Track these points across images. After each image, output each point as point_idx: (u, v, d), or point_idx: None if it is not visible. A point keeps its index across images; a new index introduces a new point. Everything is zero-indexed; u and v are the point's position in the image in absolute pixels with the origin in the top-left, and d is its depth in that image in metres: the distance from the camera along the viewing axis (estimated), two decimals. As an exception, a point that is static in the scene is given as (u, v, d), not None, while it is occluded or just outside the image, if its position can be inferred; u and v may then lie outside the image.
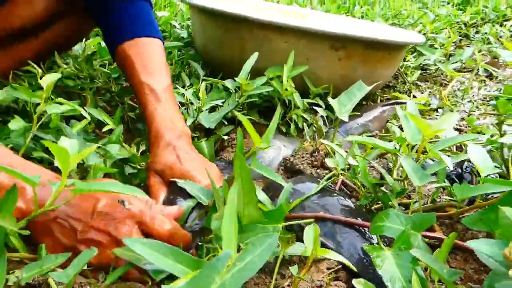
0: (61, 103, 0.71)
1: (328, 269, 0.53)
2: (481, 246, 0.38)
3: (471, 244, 0.39)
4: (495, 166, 0.55)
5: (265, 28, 1.05)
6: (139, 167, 0.77)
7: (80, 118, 0.76)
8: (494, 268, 0.38)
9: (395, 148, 0.57)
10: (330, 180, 0.65)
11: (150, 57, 0.81)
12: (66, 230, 0.49)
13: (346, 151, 0.69)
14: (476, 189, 0.48)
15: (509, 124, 0.67)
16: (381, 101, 1.30)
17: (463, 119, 1.15)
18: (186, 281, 0.30)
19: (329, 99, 0.79)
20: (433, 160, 0.73)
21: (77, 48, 0.99)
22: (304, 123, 0.98)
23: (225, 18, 1.09)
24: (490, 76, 1.67)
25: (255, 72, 1.01)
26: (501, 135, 0.66)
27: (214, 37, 1.16)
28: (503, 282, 0.35)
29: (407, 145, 0.59)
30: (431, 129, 0.53)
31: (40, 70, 0.83)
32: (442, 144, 0.56)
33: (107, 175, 0.68)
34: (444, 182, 0.62)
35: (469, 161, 0.76)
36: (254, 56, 0.96)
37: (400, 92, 1.41)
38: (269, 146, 0.51)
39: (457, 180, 0.76)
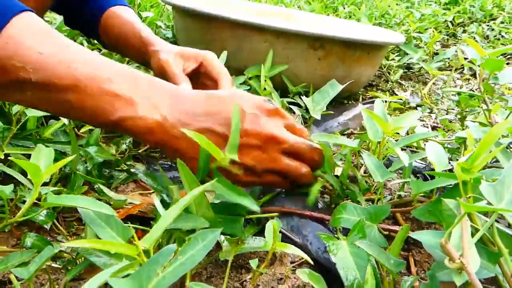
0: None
1: (291, 262, 0.54)
2: (426, 237, 0.39)
3: (416, 235, 0.40)
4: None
5: (245, 28, 1.06)
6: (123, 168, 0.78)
7: (59, 117, 0.77)
8: (438, 258, 0.39)
9: (358, 146, 0.58)
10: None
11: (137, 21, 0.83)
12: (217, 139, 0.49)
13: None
14: (429, 184, 0.49)
15: (473, 120, 0.69)
16: (363, 99, 1.31)
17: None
18: (130, 274, 0.31)
19: (303, 98, 0.81)
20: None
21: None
22: (283, 122, 0.99)
23: (206, 18, 1.10)
24: (474, 75, 1.69)
25: (237, 72, 1.03)
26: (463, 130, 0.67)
27: (196, 37, 1.17)
28: (442, 271, 0.36)
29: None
30: (391, 127, 0.55)
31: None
32: (402, 141, 0.58)
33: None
34: (410, 178, 0.63)
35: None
36: (224, 54, 0.96)
37: (383, 91, 1.42)
38: (235, 158, 0.49)
39: (428, 176, 0.78)
